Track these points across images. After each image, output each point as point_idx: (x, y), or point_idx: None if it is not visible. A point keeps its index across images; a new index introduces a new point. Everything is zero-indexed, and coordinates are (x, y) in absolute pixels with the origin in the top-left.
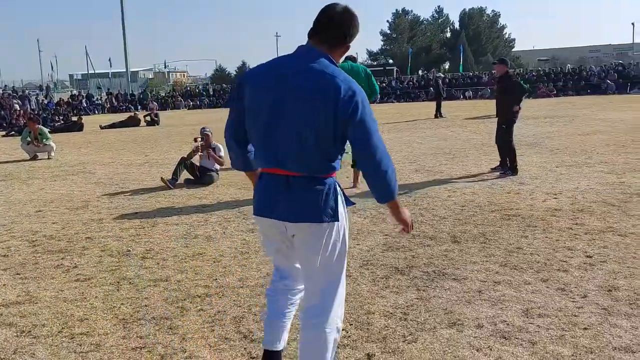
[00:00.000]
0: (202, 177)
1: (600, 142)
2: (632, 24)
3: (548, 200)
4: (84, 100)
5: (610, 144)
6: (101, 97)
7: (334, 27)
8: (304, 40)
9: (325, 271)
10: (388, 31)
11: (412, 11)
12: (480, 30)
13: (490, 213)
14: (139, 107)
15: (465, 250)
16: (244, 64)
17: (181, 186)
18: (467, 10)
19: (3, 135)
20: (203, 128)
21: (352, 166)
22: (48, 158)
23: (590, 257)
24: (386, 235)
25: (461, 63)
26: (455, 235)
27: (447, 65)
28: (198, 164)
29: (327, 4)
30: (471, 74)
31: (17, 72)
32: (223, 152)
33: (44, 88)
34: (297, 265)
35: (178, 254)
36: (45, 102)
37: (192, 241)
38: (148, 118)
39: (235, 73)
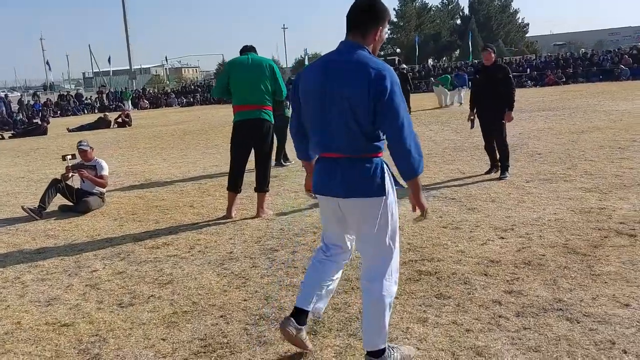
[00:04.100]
0: (77, 202)
1: (593, 144)
2: None
3: (490, 242)
4: (72, 101)
5: (605, 146)
6: (91, 97)
7: (357, 15)
8: (313, 32)
9: (377, 241)
10: (395, 19)
11: None
12: (491, 15)
13: (401, 266)
14: (129, 106)
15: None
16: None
17: (52, 215)
18: None
19: None
20: (80, 142)
21: (232, 189)
22: None
23: None
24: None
25: (471, 50)
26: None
27: (457, 53)
28: (77, 186)
29: (353, 2)
30: (476, 62)
31: (24, 71)
32: (107, 170)
33: (47, 87)
34: (346, 239)
35: None
36: (32, 103)
37: None
38: (119, 120)
39: None
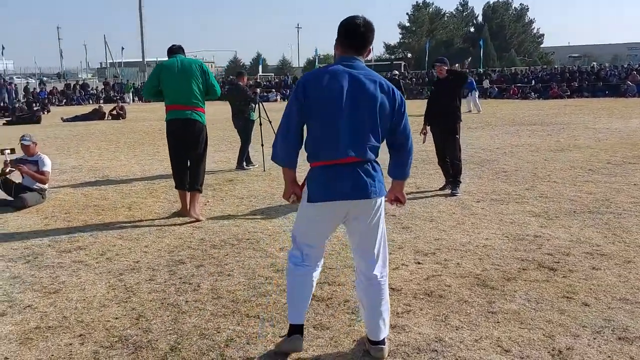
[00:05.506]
0: (15, 198)
1: (565, 164)
2: None
3: (404, 266)
4: (77, 90)
5: (576, 167)
6: (97, 87)
7: (365, 37)
8: (323, 33)
9: (380, 235)
10: (407, 24)
11: (433, 3)
12: (505, 24)
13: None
14: (130, 98)
15: None
16: (259, 55)
17: None
18: (491, 3)
19: None
20: (22, 137)
21: (180, 187)
22: None
23: None
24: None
25: (482, 58)
26: (173, 348)
27: (469, 60)
28: (18, 181)
29: (349, 19)
30: (481, 70)
31: (43, 60)
32: (49, 166)
33: (61, 75)
34: (323, 244)
35: None
36: (38, 90)
37: None
38: (114, 112)
39: (250, 64)
